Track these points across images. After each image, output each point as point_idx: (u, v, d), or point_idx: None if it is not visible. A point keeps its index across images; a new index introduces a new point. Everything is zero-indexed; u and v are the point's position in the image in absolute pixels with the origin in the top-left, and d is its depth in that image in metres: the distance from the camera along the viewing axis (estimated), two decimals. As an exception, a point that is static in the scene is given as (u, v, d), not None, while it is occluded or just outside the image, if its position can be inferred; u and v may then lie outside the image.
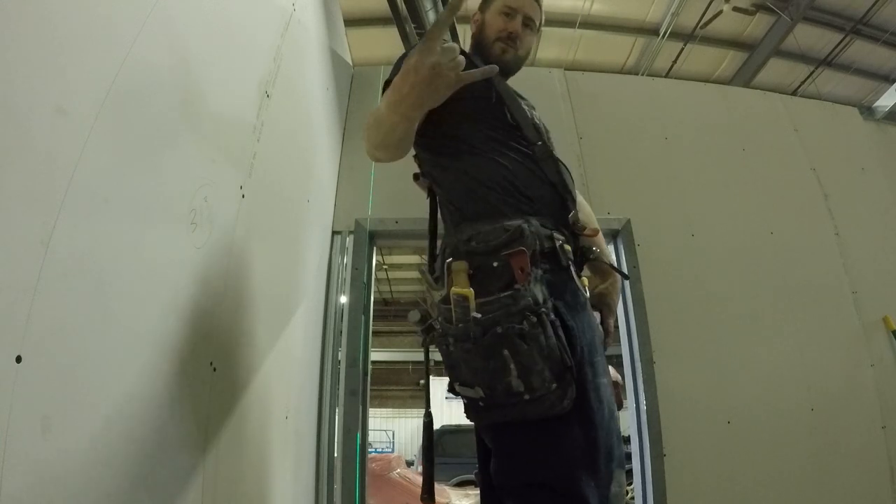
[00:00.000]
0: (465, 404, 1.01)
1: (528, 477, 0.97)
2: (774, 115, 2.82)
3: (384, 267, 10.90)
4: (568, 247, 1.07)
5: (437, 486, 5.94)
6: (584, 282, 1.11)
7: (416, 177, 1.28)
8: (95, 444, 0.80)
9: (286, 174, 1.78)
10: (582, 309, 1.04)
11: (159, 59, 0.99)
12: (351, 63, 2.74)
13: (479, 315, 0.94)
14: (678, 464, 2.08)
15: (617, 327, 1.68)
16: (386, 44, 5.30)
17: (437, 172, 1.18)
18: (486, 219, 1.06)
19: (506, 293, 0.94)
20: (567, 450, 0.95)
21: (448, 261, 1.03)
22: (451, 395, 1.06)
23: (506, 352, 0.92)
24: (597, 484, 0.94)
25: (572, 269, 1.06)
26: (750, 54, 6.14)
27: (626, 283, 2.28)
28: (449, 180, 1.16)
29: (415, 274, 11.71)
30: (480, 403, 0.96)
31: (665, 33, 5.81)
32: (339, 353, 2.19)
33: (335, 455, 2.09)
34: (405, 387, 13.86)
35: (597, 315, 1.18)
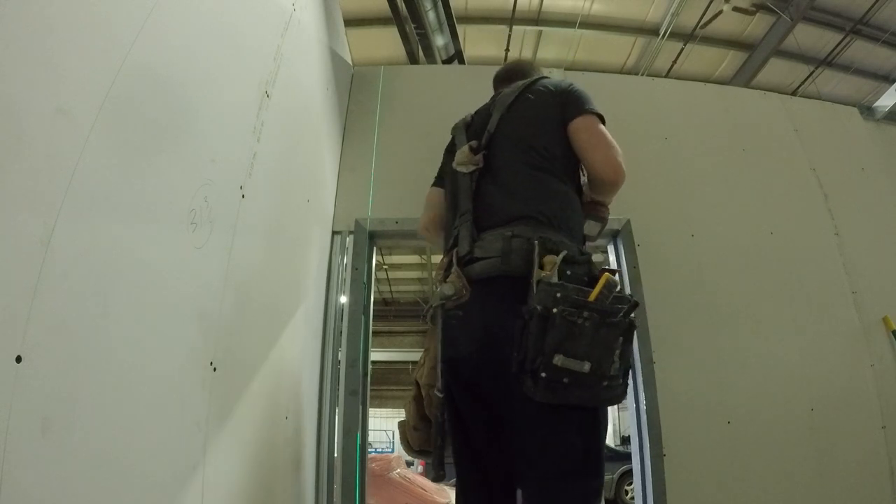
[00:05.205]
0: (541, 381, 1.05)
1: (580, 464, 1.09)
2: (774, 115, 2.81)
3: (384, 267, 10.89)
4: None
5: (437, 486, 5.91)
6: None
7: None
8: (95, 444, 0.80)
9: (286, 174, 1.78)
10: None
11: (159, 59, 0.99)
12: (351, 63, 2.73)
13: (622, 298, 1.10)
14: (678, 464, 2.08)
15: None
16: (386, 44, 5.30)
17: None
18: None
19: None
20: (603, 441, 1.14)
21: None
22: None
23: (621, 338, 1.09)
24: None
25: None
26: (750, 54, 6.15)
27: (627, 283, 2.29)
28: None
29: (415, 274, 11.70)
30: (566, 380, 1.04)
31: (665, 33, 5.81)
32: (339, 353, 2.19)
33: (335, 455, 2.09)
34: (405, 387, 13.85)
35: None
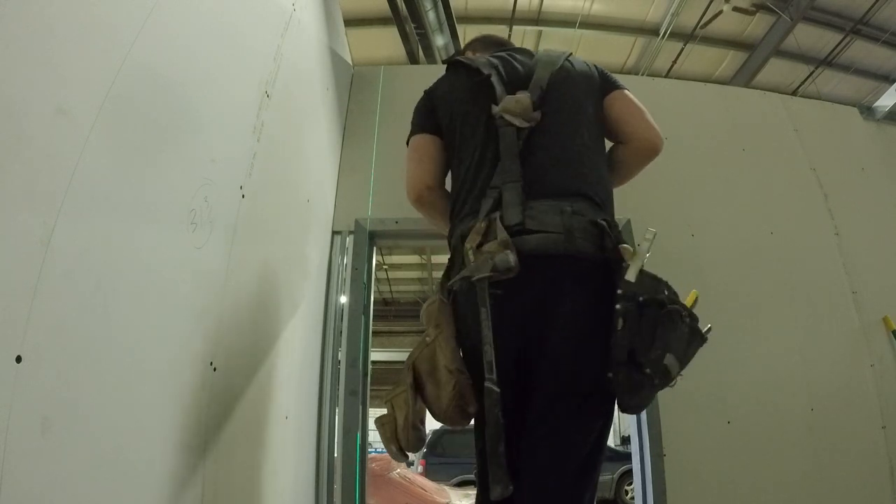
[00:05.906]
0: (643, 377, 0.99)
1: (586, 459, 1.06)
2: (774, 115, 2.81)
3: (384, 267, 10.89)
4: None
5: (437, 486, 5.91)
6: None
7: None
8: (95, 444, 0.80)
9: (286, 174, 1.78)
10: None
11: (159, 59, 0.99)
12: (351, 63, 2.73)
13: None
14: (678, 464, 2.08)
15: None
16: (386, 44, 5.30)
17: None
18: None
19: None
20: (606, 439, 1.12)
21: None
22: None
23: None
24: None
25: None
26: (750, 54, 6.14)
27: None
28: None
29: (415, 274, 11.68)
30: (657, 381, 1.01)
31: (665, 33, 5.81)
32: (339, 353, 2.19)
33: (335, 455, 2.09)
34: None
35: None
